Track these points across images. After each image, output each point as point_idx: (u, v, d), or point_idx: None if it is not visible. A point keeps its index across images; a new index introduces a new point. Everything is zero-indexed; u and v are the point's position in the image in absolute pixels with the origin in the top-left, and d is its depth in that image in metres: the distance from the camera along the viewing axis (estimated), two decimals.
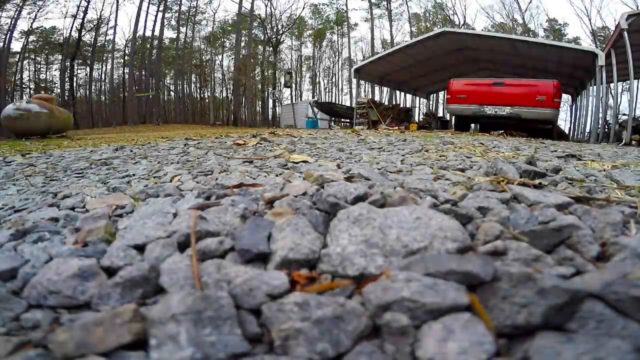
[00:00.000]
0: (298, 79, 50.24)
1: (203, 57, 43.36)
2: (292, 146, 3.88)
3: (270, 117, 41.19)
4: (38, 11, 33.79)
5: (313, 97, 50.79)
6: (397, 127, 12.57)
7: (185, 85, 43.98)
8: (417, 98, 22.42)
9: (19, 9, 31.19)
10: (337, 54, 50.32)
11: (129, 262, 0.59)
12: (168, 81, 45.47)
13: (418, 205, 0.86)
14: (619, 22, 8.86)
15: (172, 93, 45.54)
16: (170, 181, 1.55)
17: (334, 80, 52.50)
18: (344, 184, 1.03)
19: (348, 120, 19.61)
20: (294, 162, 2.34)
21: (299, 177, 1.45)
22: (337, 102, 31.29)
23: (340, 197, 0.87)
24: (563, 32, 40.16)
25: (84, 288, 0.51)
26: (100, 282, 0.53)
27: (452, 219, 0.77)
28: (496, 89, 8.80)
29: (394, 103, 17.96)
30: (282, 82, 21.12)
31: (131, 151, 4.06)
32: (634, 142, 8.50)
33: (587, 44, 34.49)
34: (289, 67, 48.56)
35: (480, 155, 2.91)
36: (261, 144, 4.25)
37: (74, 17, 34.12)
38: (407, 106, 18.77)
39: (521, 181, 1.28)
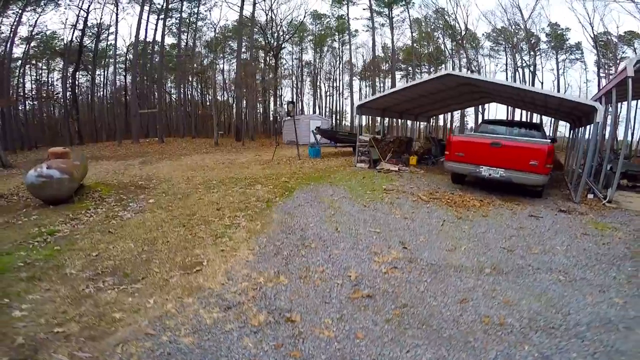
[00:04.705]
0: (298, 83, 50.34)
1: (204, 63, 43.31)
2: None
3: (272, 129, 41.47)
4: (38, 18, 33.58)
5: (314, 105, 51.07)
6: (397, 167, 13.03)
7: (187, 93, 44.07)
8: (417, 123, 22.80)
9: (18, 16, 30.96)
10: (337, 59, 50.31)
11: None
12: (169, 85, 45.53)
13: None
14: (625, 68, 7.57)
15: (173, 100, 45.59)
16: None
17: (334, 85, 52.63)
18: None
19: (349, 144, 20.22)
20: None
21: None
22: (339, 130, 33.65)
23: None
24: (565, 37, 40.05)
25: None
26: None
27: None
28: (493, 149, 9.17)
29: (395, 136, 18.33)
30: (285, 111, 21.83)
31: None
32: (619, 193, 8.63)
33: (588, 50, 34.48)
34: (290, 72, 48.67)
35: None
36: None
37: (74, 26, 33.95)
38: (408, 136, 19.16)
39: None
